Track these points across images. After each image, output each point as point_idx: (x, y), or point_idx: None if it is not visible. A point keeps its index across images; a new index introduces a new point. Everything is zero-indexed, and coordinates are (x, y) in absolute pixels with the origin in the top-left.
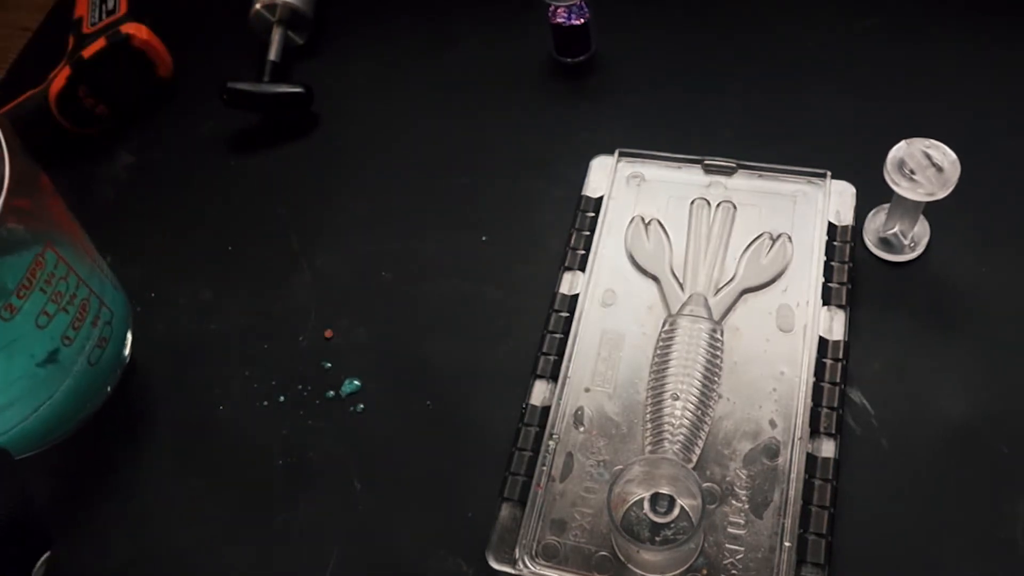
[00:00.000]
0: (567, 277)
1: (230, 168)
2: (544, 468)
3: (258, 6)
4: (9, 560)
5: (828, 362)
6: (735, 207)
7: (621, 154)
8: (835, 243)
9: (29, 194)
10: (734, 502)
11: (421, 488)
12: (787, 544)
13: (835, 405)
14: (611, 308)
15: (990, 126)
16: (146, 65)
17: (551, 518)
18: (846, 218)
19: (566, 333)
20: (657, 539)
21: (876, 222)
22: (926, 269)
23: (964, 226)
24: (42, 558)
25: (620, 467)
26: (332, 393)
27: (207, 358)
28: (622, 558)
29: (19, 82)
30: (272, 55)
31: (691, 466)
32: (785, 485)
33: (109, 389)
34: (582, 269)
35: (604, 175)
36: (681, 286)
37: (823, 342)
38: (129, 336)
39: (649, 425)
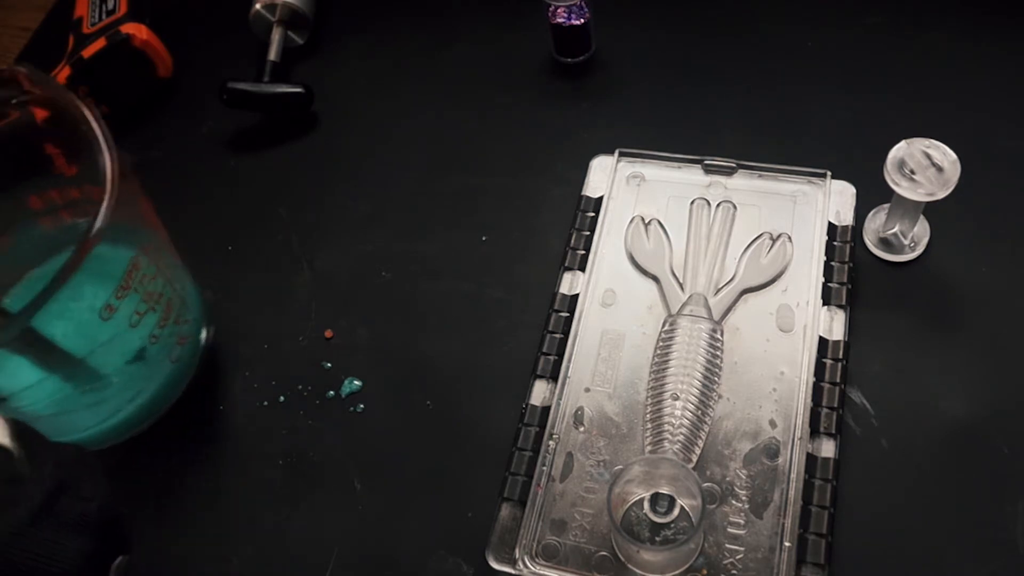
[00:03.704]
0: (567, 277)
1: (230, 168)
2: (544, 468)
3: (258, 6)
4: (85, 560)
5: (828, 362)
6: (735, 207)
7: (621, 154)
8: (835, 243)
9: (128, 190)
10: (734, 502)
11: (421, 488)
12: (787, 544)
13: (835, 405)
14: (611, 308)
15: (990, 126)
16: (146, 65)
17: (551, 518)
18: (846, 218)
19: (566, 333)
20: (657, 539)
21: (876, 222)
22: (926, 269)
23: (964, 226)
24: (117, 561)
25: (620, 467)
26: (332, 393)
27: (207, 358)
28: (622, 558)
29: None
30: (272, 55)
31: (691, 466)
32: (785, 485)
33: (187, 384)
34: (582, 269)
35: (604, 175)
36: (681, 286)
37: (823, 342)
38: (204, 333)
39: (649, 425)
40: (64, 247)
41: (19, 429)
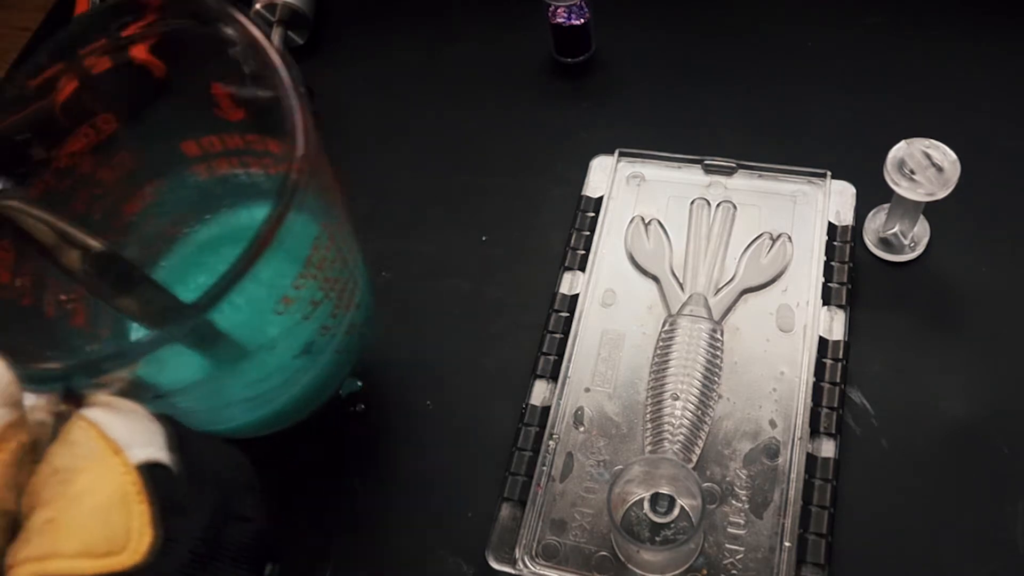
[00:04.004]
0: (567, 277)
1: None
2: (544, 468)
3: (258, 6)
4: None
5: (828, 362)
6: (735, 207)
7: (621, 154)
8: (835, 243)
9: (319, 156)
10: (734, 502)
11: (421, 488)
12: (787, 544)
13: (835, 405)
14: (611, 308)
15: (990, 126)
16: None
17: (551, 518)
18: (846, 218)
19: (566, 333)
20: (657, 539)
21: (876, 222)
22: (926, 269)
23: (964, 226)
24: (267, 570)
25: (620, 467)
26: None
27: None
28: (622, 558)
29: None
30: None
31: (691, 466)
32: (785, 485)
33: (347, 374)
34: (582, 269)
35: (604, 175)
36: (681, 286)
37: (823, 342)
38: (370, 313)
39: (649, 425)
40: (219, 201)
41: (177, 434)
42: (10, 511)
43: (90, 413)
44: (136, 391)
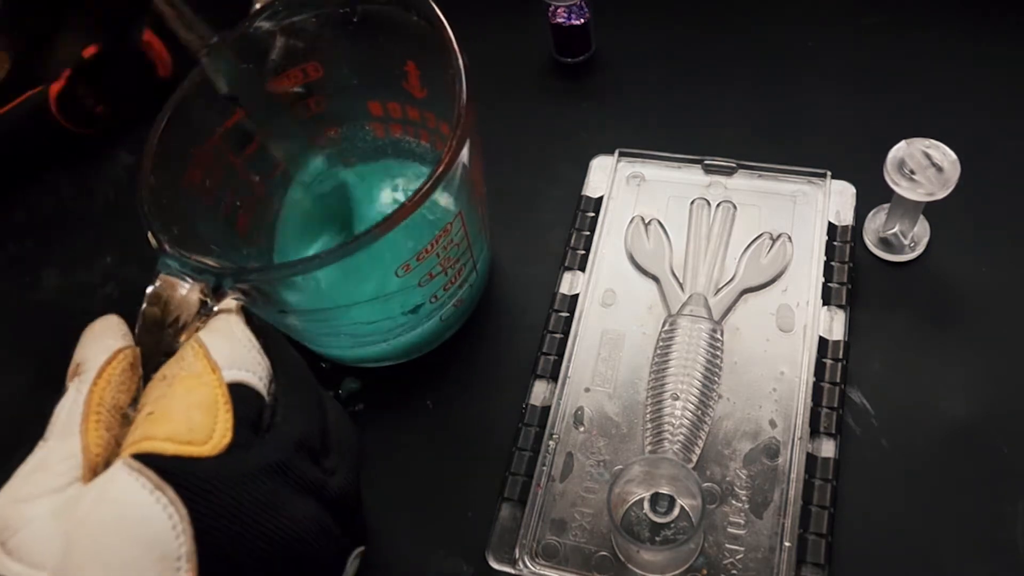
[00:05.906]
0: (567, 277)
1: None
2: (544, 468)
3: (258, 6)
4: (320, 529)
5: (828, 362)
6: (735, 207)
7: (621, 154)
8: (835, 243)
9: (473, 154)
10: (734, 502)
11: (421, 488)
12: (787, 544)
13: (835, 405)
14: (611, 308)
15: (990, 126)
16: (146, 65)
17: (551, 518)
18: (846, 218)
19: (566, 333)
20: (657, 539)
21: (876, 222)
22: (926, 269)
23: (964, 226)
24: (354, 552)
25: (620, 467)
26: (331, 393)
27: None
28: (622, 558)
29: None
30: (273, 54)
31: (691, 466)
32: (785, 485)
33: (441, 342)
34: (582, 269)
35: (604, 175)
36: (681, 286)
37: (823, 342)
38: (484, 281)
39: (649, 425)
40: (380, 155)
41: (279, 361)
42: (121, 407)
43: (203, 336)
44: (267, 302)
